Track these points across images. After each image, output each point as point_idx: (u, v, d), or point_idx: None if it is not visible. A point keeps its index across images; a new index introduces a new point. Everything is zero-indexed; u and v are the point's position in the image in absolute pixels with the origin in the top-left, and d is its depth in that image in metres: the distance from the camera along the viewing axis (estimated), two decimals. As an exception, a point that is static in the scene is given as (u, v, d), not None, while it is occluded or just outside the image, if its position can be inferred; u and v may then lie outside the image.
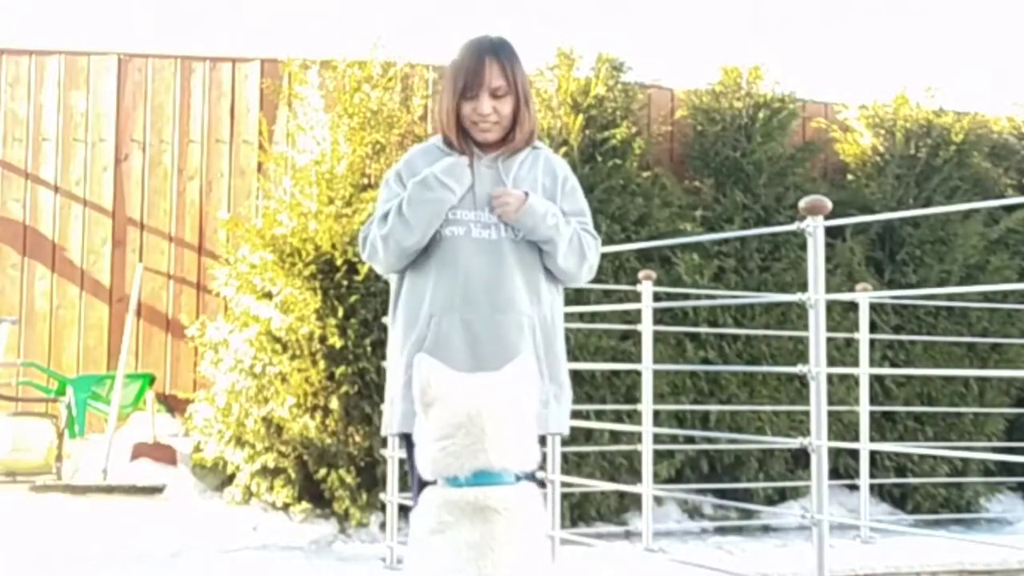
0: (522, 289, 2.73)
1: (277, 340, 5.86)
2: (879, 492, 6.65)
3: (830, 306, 4.13)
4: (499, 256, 2.72)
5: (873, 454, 6.25)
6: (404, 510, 2.51)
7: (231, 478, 5.98)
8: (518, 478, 2.07)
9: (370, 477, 5.72)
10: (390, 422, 2.77)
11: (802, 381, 4.03)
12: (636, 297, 5.49)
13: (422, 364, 2.09)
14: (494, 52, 2.76)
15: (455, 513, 2.00)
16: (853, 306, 6.22)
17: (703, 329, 6.38)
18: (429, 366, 2.09)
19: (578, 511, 5.96)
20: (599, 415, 5.92)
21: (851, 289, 6.35)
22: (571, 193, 2.86)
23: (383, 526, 5.33)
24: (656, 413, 5.51)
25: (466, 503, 2.01)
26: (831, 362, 4.08)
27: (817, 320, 3.82)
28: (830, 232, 4.64)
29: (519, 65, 2.80)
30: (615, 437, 5.98)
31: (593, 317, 6.01)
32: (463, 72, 2.75)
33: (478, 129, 2.77)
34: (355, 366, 5.70)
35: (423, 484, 2.38)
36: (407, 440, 2.69)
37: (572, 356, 5.96)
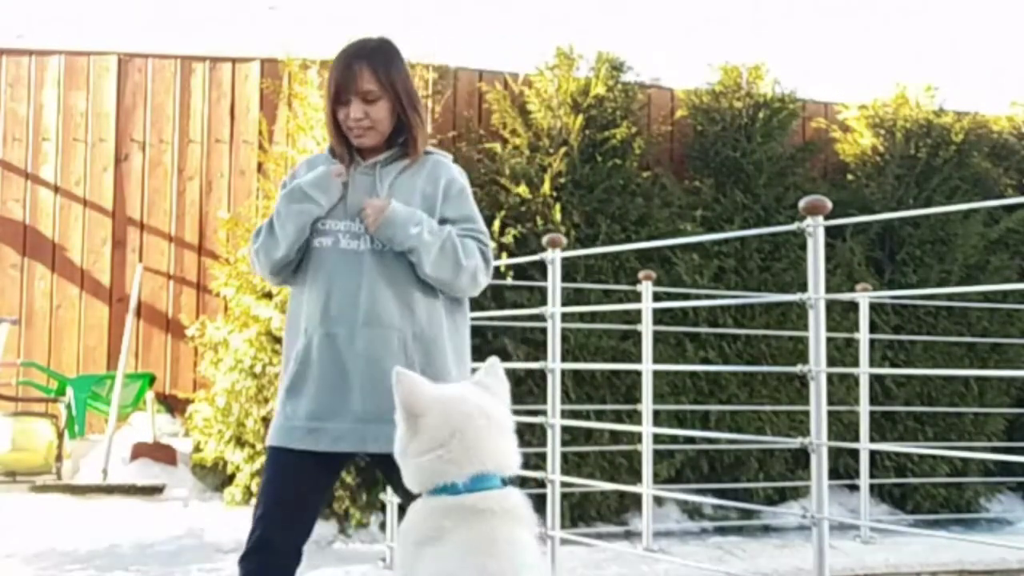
0: (391, 302, 2.63)
1: (277, 340, 5.86)
2: (879, 492, 6.65)
3: (830, 306, 4.13)
4: (364, 267, 2.64)
5: (873, 454, 6.25)
6: (404, 510, 2.52)
7: (231, 478, 5.98)
8: (504, 483, 2.07)
9: (370, 477, 5.72)
10: (271, 434, 2.74)
11: (802, 381, 4.03)
12: (636, 297, 5.49)
13: (403, 379, 2.05)
14: (365, 56, 2.69)
15: (454, 518, 1.99)
16: (853, 306, 6.22)
17: (703, 329, 6.38)
18: (411, 380, 2.06)
19: (578, 511, 5.96)
20: (599, 415, 5.93)
21: (851, 289, 6.35)
22: (456, 198, 2.76)
23: (383, 526, 5.33)
24: (656, 413, 5.52)
25: (465, 508, 1.99)
26: (831, 362, 4.08)
27: (817, 320, 3.82)
28: (830, 232, 4.65)
29: (396, 68, 2.71)
30: (615, 437, 5.98)
31: (593, 317, 6.01)
32: (334, 77, 2.70)
33: (353, 135, 2.70)
34: (355, 366, 5.69)
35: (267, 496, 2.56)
36: (273, 453, 2.68)
37: (572, 356, 6.00)
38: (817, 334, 3.81)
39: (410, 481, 2.09)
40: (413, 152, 2.72)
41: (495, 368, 2.19)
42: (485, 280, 2.75)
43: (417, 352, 2.63)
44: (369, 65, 2.67)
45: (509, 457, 2.07)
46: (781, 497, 6.49)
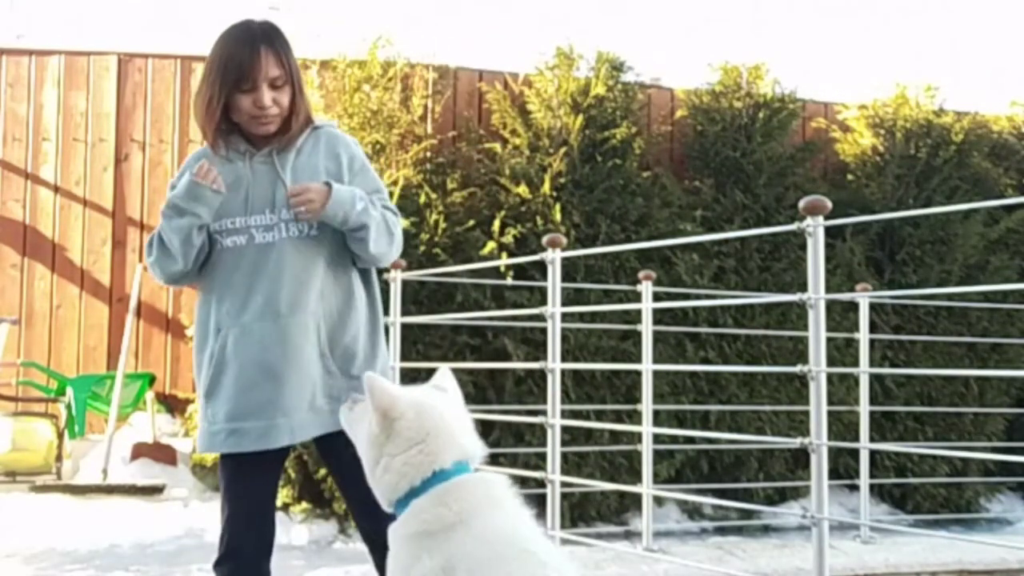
0: (307, 288, 2.59)
1: (277, 340, 5.86)
2: (879, 492, 6.64)
3: (830, 306, 4.13)
4: (282, 257, 2.58)
5: (873, 454, 6.25)
6: (350, 498, 2.54)
7: (231, 478, 5.97)
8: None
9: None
10: (197, 442, 2.71)
11: (802, 381, 4.02)
12: (636, 297, 5.49)
13: (376, 383, 2.09)
14: (268, 40, 2.58)
15: (453, 507, 2.02)
16: (853, 306, 6.21)
17: (703, 329, 6.38)
18: (384, 384, 2.10)
19: (578, 511, 5.96)
20: (599, 415, 5.92)
21: (851, 289, 6.34)
22: (361, 172, 2.71)
23: (383, 526, 5.33)
24: (656, 413, 5.51)
25: (460, 491, 2.04)
26: (831, 362, 4.08)
27: (817, 320, 3.81)
28: (830, 232, 4.66)
29: (292, 52, 2.63)
30: (615, 437, 5.98)
31: (593, 317, 6.01)
32: (235, 63, 2.55)
33: (258, 123, 2.60)
34: (355, 366, 5.69)
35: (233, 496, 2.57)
36: (220, 459, 2.67)
37: (572, 356, 6.00)
38: (817, 334, 3.81)
39: (389, 485, 2.10)
40: (303, 131, 2.64)
41: (447, 375, 2.26)
42: (400, 249, 2.76)
43: (325, 334, 2.61)
44: (274, 49, 2.58)
45: (477, 448, 2.16)
46: (781, 497, 6.48)
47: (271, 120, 2.60)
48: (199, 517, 5.74)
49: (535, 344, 5.81)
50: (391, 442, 2.08)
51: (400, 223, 2.72)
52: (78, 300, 7.01)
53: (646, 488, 5.34)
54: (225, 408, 2.59)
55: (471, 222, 6.08)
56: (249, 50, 2.55)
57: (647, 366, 5.33)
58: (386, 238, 2.64)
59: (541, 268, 5.21)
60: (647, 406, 5.33)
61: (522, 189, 6.22)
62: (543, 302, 5.06)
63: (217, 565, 2.65)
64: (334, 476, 2.84)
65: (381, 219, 2.63)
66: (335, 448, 2.60)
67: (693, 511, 6.32)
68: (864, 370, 5.92)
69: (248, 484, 2.64)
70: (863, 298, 5.85)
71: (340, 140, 2.71)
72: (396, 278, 5.39)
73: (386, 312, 5.09)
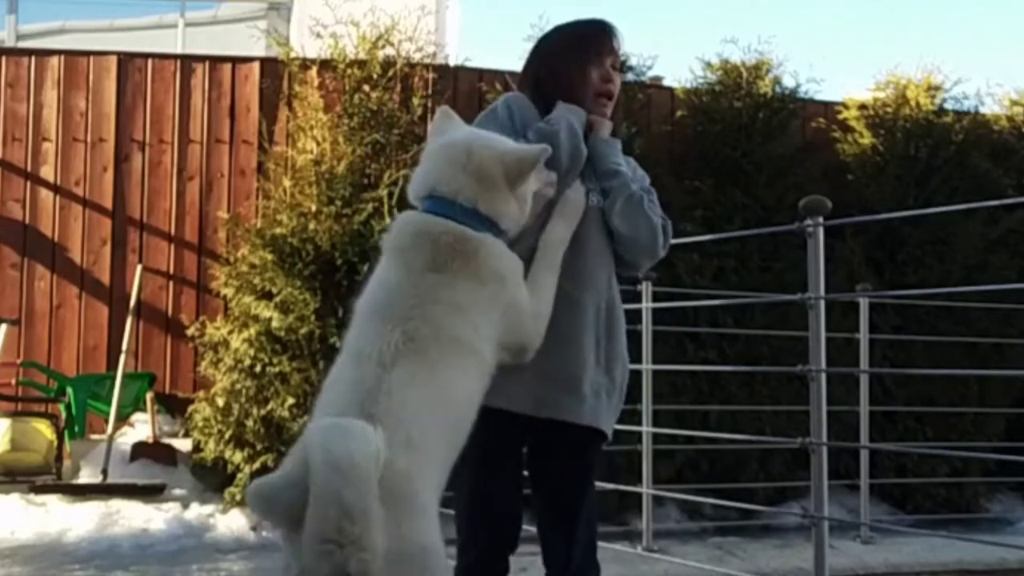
0: (602, 265, 2.50)
1: (277, 340, 5.86)
2: (879, 492, 6.64)
3: (830, 306, 4.13)
4: (587, 227, 2.46)
5: (873, 454, 6.25)
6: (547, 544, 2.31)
7: (231, 478, 5.97)
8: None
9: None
10: None
11: (802, 381, 4.02)
12: (636, 297, 5.49)
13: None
14: (612, 32, 2.63)
15: None
16: (853, 306, 6.21)
17: (703, 329, 6.37)
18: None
19: (578, 511, 5.95)
20: (599, 415, 5.91)
21: (851, 289, 6.34)
22: (643, 179, 2.70)
23: (383, 526, 5.32)
24: (656, 413, 5.51)
25: None
26: (831, 362, 4.07)
27: (817, 320, 3.82)
28: (830, 232, 4.65)
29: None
30: (615, 437, 5.96)
31: (593, 317, 6.00)
32: (590, 38, 2.58)
33: (600, 102, 2.56)
34: (355, 366, 5.69)
35: None
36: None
37: (572, 356, 5.99)
38: (817, 334, 3.81)
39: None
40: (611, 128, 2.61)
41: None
42: (663, 252, 2.60)
43: (604, 324, 2.48)
44: (616, 39, 2.62)
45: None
46: (781, 497, 6.47)
47: (608, 104, 2.57)
48: (199, 517, 5.75)
49: (535, 344, 5.80)
50: None
51: (668, 227, 2.58)
52: (78, 300, 7.00)
53: (646, 488, 5.34)
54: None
55: (471, 222, 6.07)
56: (602, 32, 2.59)
57: (647, 366, 5.33)
58: (644, 220, 2.50)
59: (541, 268, 5.21)
60: (647, 406, 5.33)
61: (522, 189, 6.21)
62: (543, 302, 5.05)
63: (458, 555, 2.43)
64: (532, 483, 2.54)
65: (640, 195, 2.51)
66: (553, 448, 2.40)
67: (693, 511, 6.32)
68: (864, 370, 5.92)
69: (492, 444, 2.34)
70: (863, 298, 5.85)
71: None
72: None
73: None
